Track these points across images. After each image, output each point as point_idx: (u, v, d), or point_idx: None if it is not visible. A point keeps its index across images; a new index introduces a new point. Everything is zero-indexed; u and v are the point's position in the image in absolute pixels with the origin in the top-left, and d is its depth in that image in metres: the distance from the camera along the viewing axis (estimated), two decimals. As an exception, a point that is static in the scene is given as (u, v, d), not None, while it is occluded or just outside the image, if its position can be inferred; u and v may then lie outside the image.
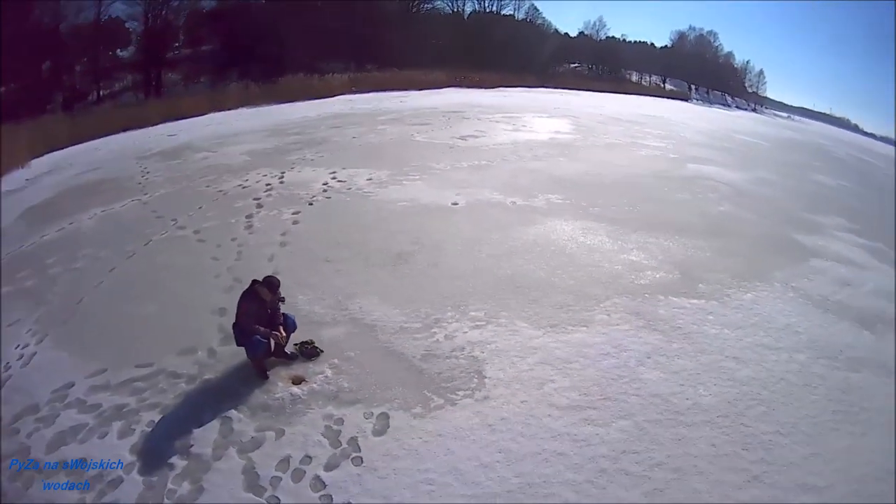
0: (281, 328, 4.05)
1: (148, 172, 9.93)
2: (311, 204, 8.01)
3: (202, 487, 3.02)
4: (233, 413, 3.61)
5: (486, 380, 3.99)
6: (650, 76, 52.61)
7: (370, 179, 9.06)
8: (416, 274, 5.87)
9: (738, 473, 3.08)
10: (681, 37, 55.50)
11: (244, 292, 3.98)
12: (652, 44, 54.99)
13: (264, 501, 2.92)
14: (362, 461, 3.18)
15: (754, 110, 57.13)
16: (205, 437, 3.41)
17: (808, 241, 7.82)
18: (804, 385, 3.95)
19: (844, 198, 12.83)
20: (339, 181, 8.96)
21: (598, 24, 47.73)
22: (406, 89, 20.07)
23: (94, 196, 8.77)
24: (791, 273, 6.17)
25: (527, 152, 11.79)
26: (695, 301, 5.18)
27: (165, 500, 2.96)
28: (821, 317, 5.16)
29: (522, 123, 15.53)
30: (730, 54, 57.55)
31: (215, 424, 3.51)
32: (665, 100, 40.76)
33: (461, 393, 3.83)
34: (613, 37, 48.18)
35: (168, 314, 5.02)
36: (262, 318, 3.94)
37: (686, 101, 47.08)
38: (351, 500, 2.90)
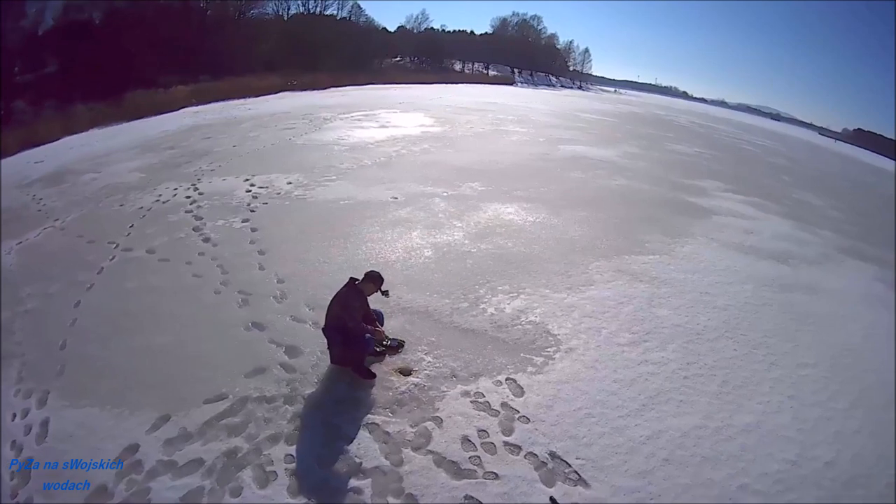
0: (377, 323, 3.84)
1: (41, 200, 8.29)
2: (253, 211, 7.62)
3: (411, 494, 2.86)
4: (373, 418, 3.41)
5: (558, 336, 4.52)
6: (473, 63, 54.33)
7: (290, 183, 8.96)
8: (419, 263, 6.03)
9: (761, 363, 4.33)
10: (503, 23, 59.51)
11: (344, 292, 3.67)
12: (472, 31, 58.47)
13: (483, 480, 2.94)
14: (528, 419, 3.42)
15: (580, 87, 62.85)
16: (365, 449, 3.16)
17: (702, 203, 9.98)
18: (763, 305, 5.50)
19: (707, 163, 16.08)
20: (260, 188, 8.66)
21: (420, 17, 49.29)
22: (244, 97, 19.54)
23: (-6, 229, 6.91)
24: (704, 229, 8.06)
25: (412, 146, 12.46)
26: (651, 257, 6.54)
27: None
28: (745, 258, 6.94)
29: (386, 120, 16.15)
30: (553, 36, 63.90)
31: (364, 434, 3.27)
32: (492, 85, 43.42)
33: (550, 350, 4.28)
34: (433, 28, 49.11)
35: (190, 340, 4.33)
36: (364, 316, 3.68)
37: (511, 84, 49.58)
38: (551, 448, 3.12)
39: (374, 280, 3.73)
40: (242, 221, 7.16)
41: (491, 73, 53.28)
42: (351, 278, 3.77)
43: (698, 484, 2.96)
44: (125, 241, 6.35)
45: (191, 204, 7.74)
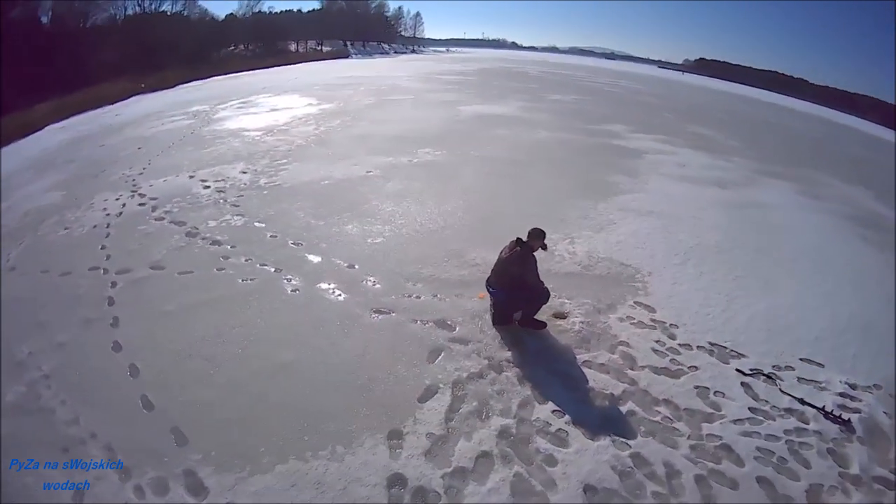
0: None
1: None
2: (236, 206, 6.99)
3: (666, 400, 3.46)
4: (580, 357, 3.84)
5: (633, 266, 5.47)
6: (306, 42, 54.48)
7: (245, 173, 8.52)
8: (465, 227, 6.34)
9: (768, 262, 5.86)
10: None
11: (520, 252, 3.88)
12: (299, 10, 58.93)
13: (691, 373, 3.74)
14: (676, 325, 4.33)
15: (414, 51, 66.04)
16: (601, 381, 3.59)
17: (626, 144, 11.77)
18: (736, 222, 7.15)
19: (593, 108, 18.22)
20: (216, 181, 8.02)
21: (252, 2, 47.74)
22: (100, 105, 18.23)
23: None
24: (647, 166, 9.81)
25: (327, 123, 12.70)
26: (633, 195, 7.94)
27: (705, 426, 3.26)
28: (695, 187, 8.74)
29: (272, 104, 16.22)
30: (382, 4, 65.33)
31: (588, 371, 3.68)
32: (330, 61, 44.29)
33: (638, 276, 5.24)
34: (261, 11, 49.02)
35: (323, 345, 3.94)
36: None
37: (347, 58, 50.09)
38: (707, 340, 4.13)
39: (540, 237, 3.98)
40: (237, 216, 6.42)
41: (325, 49, 54.07)
42: (518, 238, 3.95)
43: (796, 341, 4.24)
44: (111, 263, 5.13)
45: (153, 211, 6.63)
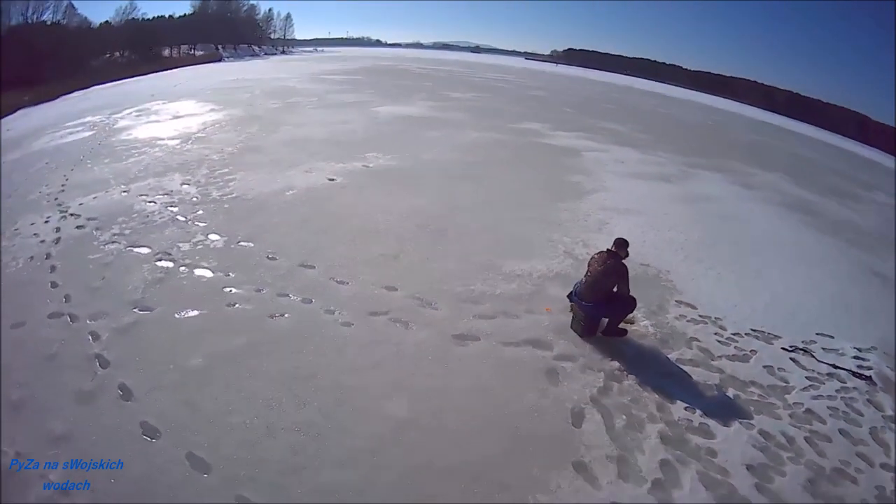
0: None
1: None
2: (202, 223, 6.70)
3: (752, 381, 4.24)
4: (672, 355, 4.46)
5: (653, 266, 6.32)
6: (179, 47, 59.85)
7: (187, 184, 8.32)
8: (470, 236, 6.70)
9: (749, 253, 7.16)
10: (203, 3, 64.24)
11: (614, 263, 4.34)
12: (171, 16, 63.52)
13: (754, 357, 4.62)
14: (721, 318, 5.22)
15: (283, 52, 70.68)
16: (702, 375, 4.23)
17: (556, 143, 13.16)
18: (699, 215, 8.60)
19: (499, 106, 19.74)
20: (160, 195, 7.74)
21: (128, 8, 51.34)
22: None
23: None
24: (591, 165, 11.15)
25: (245, 129, 12.99)
26: (602, 194, 9.08)
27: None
28: (644, 184, 10.20)
29: (173, 111, 16.25)
30: (253, 7, 71.53)
31: (687, 368, 4.31)
32: (205, 64, 47.51)
33: (662, 276, 6.12)
34: (134, 18, 52.24)
35: (433, 386, 3.93)
36: None
37: (220, 61, 55.05)
38: (750, 327, 5.08)
39: (625, 246, 4.48)
40: (212, 235, 5.91)
41: (198, 53, 58.18)
42: (608, 249, 4.38)
43: (806, 320, 5.44)
44: (76, 307, 4.32)
45: (99, 234, 5.98)
